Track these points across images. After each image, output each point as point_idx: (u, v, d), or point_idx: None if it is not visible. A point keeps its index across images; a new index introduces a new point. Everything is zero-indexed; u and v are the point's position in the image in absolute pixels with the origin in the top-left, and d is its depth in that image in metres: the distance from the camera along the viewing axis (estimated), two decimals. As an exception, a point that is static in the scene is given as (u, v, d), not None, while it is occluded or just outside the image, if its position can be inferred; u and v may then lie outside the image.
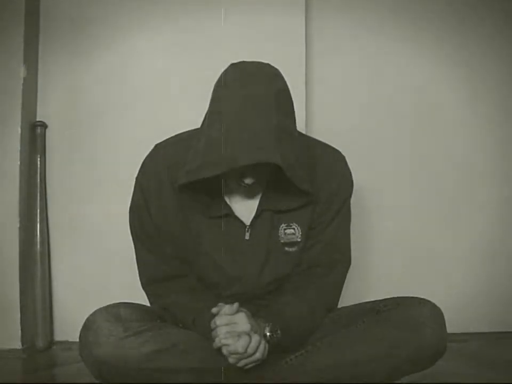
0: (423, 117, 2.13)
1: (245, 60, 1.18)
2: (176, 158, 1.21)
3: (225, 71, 1.18)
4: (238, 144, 1.07)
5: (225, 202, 1.22)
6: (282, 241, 1.22)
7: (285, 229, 1.23)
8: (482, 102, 2.16)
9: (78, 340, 1.16)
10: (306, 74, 2.02)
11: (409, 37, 2.12)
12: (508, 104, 2.16)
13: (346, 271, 1.29)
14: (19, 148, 1.87)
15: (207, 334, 1.15)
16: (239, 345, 1.06)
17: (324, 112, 2.09)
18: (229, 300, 1.15)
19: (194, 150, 1.15)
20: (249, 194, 1.22)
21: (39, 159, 1.95)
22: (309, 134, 1.46)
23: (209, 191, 1.16)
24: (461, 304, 2.03)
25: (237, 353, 1.07)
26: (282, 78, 1.18)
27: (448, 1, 2.14)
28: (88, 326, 1.15)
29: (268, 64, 1.18)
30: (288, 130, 1.13)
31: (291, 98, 1.17)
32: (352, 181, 1.28)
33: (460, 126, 2.15)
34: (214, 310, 1.12)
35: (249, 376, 1.14)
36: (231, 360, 1.08)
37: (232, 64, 1.18)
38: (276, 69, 1.18)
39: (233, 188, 1.21)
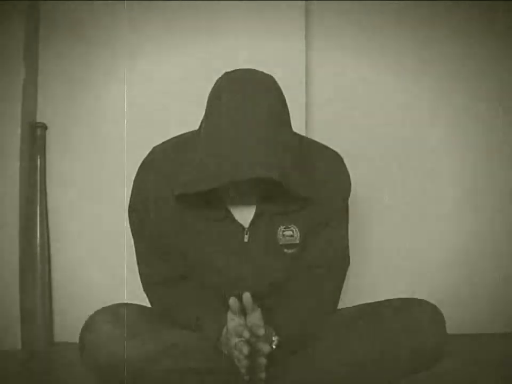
0: (423, 119, 2.14)
1: (239, 68, 1.18)
2: (173, 160, 1.21)
3: (220, 80, 1.18)
4: (234, 159, 1.07)
5: (224, 205, 1.22)
6: (280, 243, 1.22)
7: (283, 231, 1.22)
8: (480, 103, 2.16)
9: (78, 341, 1.15)
10: (306, 74, 2.02)
11: (412, 39, 2.12)
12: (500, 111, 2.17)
13: (346, 272, 1.29)
14: (19, 149, 1.88)
15: (209, 334, 1.16)
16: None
17: (323, 113, 2.09)
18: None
19: (191, 161, 1.15)
20: (247, 197, 1.22)
21: (39, 160, 1.95)
22: (308, 136, 1.47)
23: (207, 195, 1.16)
24: (461, 305, 2.04)
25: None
26: (276, 85, 1.18)
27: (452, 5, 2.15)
28: (88, 327, 1.15)
29: (262, 72, 1.18)
30: (284, 139, 1.14)
31: (286, 104, 1.18)
32: (350, 182, 1.28)
33: (461, 127, 2.15)
34: (231, 301, 1.12)
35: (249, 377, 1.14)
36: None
37: (227, 73, 1.18)
38: (270, 77, 1.18)
39: (231, 191, 1.21)
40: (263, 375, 1.09)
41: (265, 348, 1.07)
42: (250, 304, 1.12)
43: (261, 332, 1.07)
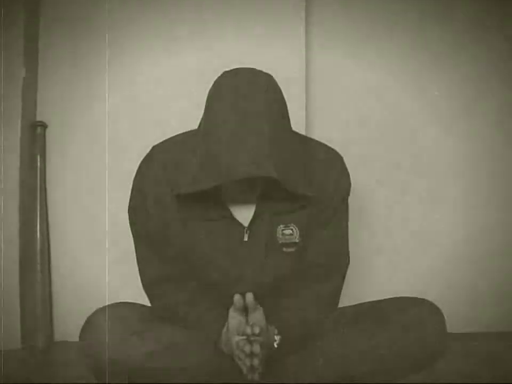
0: (424, 119, 2.13)
1: (238, 68, 1.19)
2: (173, 160, 1.21)
3: (219, 79, 1.18)
4: (233, 158, 1.08)
5: (223, 204, 1.22)
6: (280, 242, 1.22)
7: (282, 230, 1.23)
8: (481, 102, 2.16)
9: (78, 340, 1.16)
10: (306, 75, 2.02)
11: (413, 39, 2.12)
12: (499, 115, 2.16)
13: (345, 271, 1.29)
14: (19, 148, 1.88)
15: (209, 333, 1.16)
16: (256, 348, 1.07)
17: (324, 113, 2.09)
18: (230, 301, 1.16)
19: (191, 160, 1.16)
20: (247, 196, 1.22)
21: (39, 159, 1.95)
22: (308, 135, 1.46)
23: (207, 194, 1.16)
24: (461, 304, 2.03)
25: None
26: (275, 84, 1.18)
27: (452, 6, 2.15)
28: (88, 326, 1.15)
29: (261, 71, 1.19)
30: (283, 138, 1.14)
31: (285, 103, 1.18)
32: (349, 181, 1.28)
33: (462, 127, 2.15)
34: (236, 297, 1.12)
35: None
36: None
37: (225, 72, 1.19)
38: (269, 76, 1.19)
39: (231, 191, 1.21)
40: (256, 376, 1.09)
41: (256, 349, 1.07)
42: (252, 304, 1.12)
43: (256, 330, 1.07)
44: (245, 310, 1.14)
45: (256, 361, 1.07)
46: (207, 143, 1.13)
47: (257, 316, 1.14)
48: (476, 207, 2.15)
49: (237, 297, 1.11)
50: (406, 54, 2.13)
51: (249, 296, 1.11)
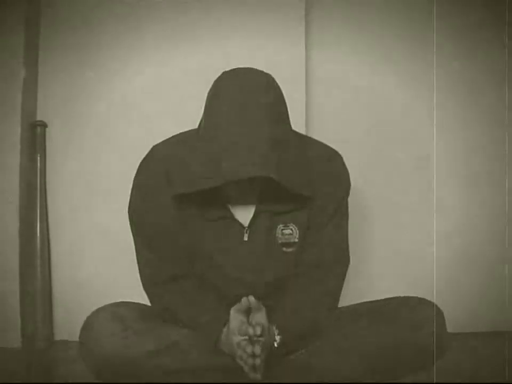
0: (423, 118, 2.14)
1: (237, 68, 1.18)
2: (173, 160, 1.21)
3: (218, 80, 1.18)
4: (233, 158, 1.08)
5: (223, 204, 1.22)
6: (280, 241, 1.23)
7: (282, 230, 1.23)
8: (481, 103, 2.16)
9: (78, 340, 1.16)
10: (306, 75, 2.02)
11: (412, 39, 2.12)
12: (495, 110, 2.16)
13: (346, 271, 1.29)
14: (19, 148, 1.88)
15: (209, 333, 1.16)
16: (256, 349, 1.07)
17: (324, 113, 2.09)
18: (230, 301, 1.16)
19: (191, 160, 1.16)
20: (247, 196, 1.22)
21: (39, 158, 1.95)
22: (308, 135, 1.47)
23: (207, 194, 1.16)
24: (461, 304, 2.03)
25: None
26: (275, 84, 1.18)
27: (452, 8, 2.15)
28: (88, 326, 1.15)
29: (260, 71, 1.19)
30: (283, 138, 1.14)
31: (285, 103, 1.18)
32: (349, 181, 1.28)
33: (461, 126, 2.15)
34: (243, 299, 1.12)
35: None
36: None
37: (225, 72, 1.19)
38: (269, 75, 1.19)
39: (231, 190, 1.21)
40: (258, 376, 1.09)
41: (257, 350, 1.07)
42: (256, 304, 1.12)
43: (258, 330, 1.07)
44: (247, 311, 1.14)
45: (258, 362, 1.07)
46: (207, 143, 1.13)
47: (260, 316, 1.14)
48: (477, 207, 2.15)
49: (244, 299, 1.11)
50: (406, 53, 2.13)
51: (252, 298, 1.11)
